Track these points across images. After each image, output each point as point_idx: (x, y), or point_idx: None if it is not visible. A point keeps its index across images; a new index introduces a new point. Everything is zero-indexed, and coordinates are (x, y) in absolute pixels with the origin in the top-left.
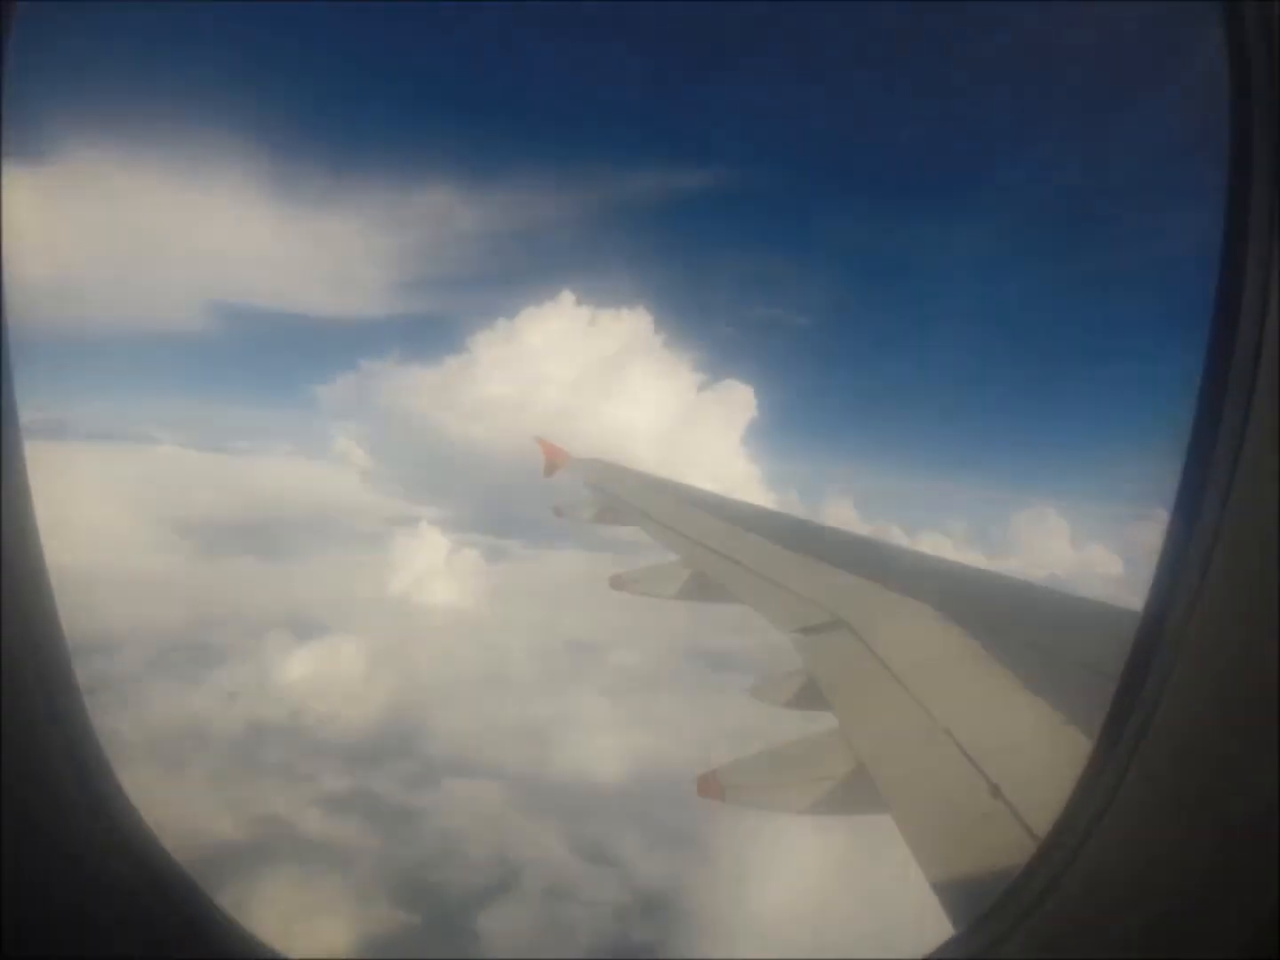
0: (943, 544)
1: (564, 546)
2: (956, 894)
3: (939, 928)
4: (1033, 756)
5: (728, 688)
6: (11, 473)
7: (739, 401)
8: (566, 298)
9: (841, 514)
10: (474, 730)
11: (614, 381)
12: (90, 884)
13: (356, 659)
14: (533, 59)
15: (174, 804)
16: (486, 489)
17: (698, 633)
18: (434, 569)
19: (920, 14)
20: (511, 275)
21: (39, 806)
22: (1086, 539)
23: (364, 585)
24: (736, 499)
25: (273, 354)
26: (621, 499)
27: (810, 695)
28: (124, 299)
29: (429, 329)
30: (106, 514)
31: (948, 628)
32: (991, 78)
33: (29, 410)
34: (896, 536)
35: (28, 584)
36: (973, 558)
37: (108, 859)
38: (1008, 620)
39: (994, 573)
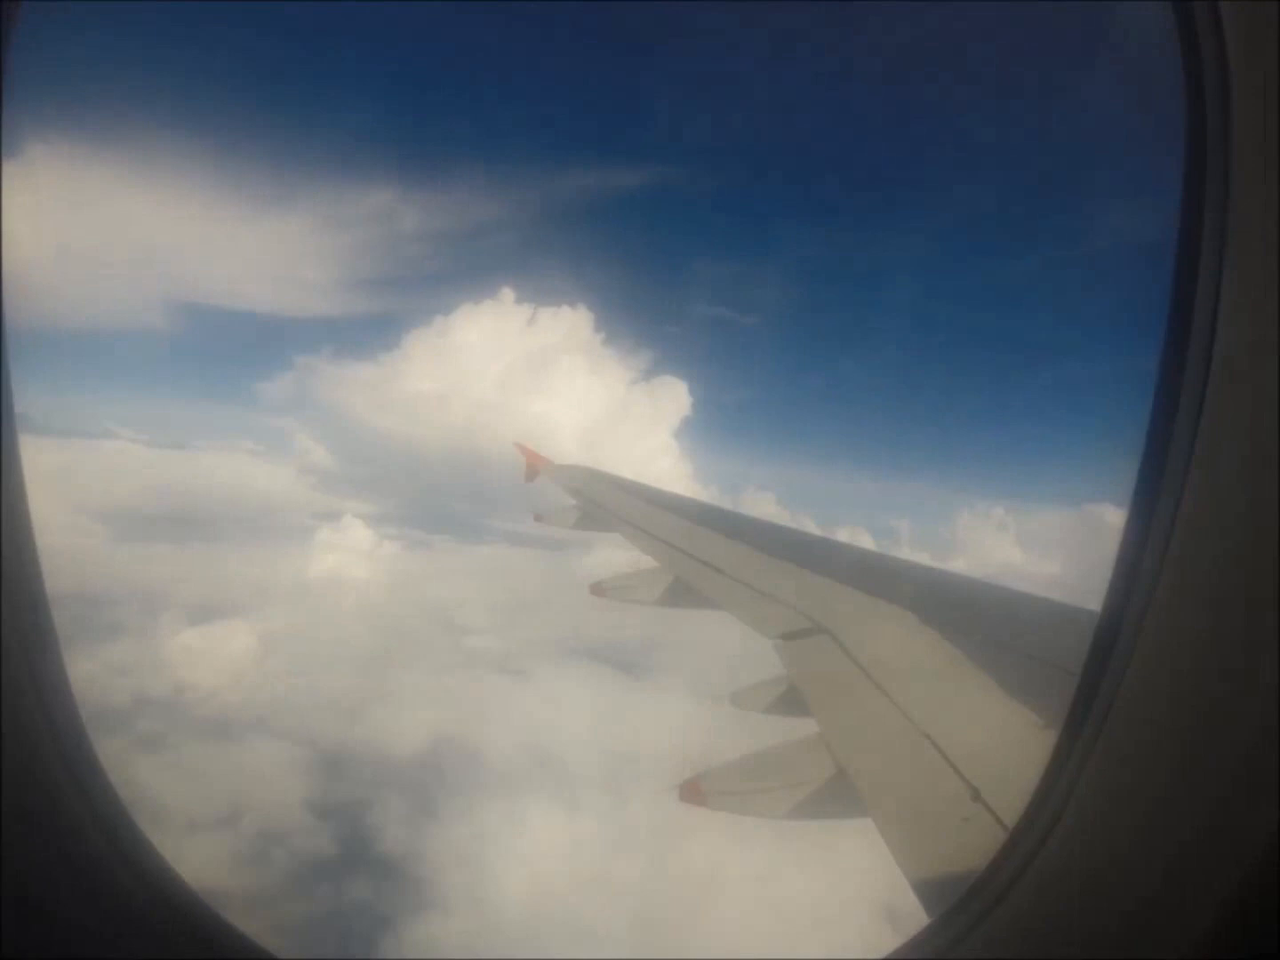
0: (865, 542)
1: (492, 542)
2: (938, 896)
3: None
4: (1011, 759)
5: (573, 676)
6: (8, 480)
7: (674, 398)
8: (508, 297)
9: (764, 509)
10: (314, 700)
11: (552, 378)
12: (84, 886)
13: (246, 640)
14: (477, 59)
15: None
16: (426, 487)
17: (576, 625)
18: (350, 561)
19: (868, 11)
20: (463, 276)
21: (33, 811)
22: (1024, 539)
23: (274, 573)
24: (719, 506)
25: (239, 354)
26: (602, 505)
27: (791, 701)
28: (93, 296)
29: (378, 329)
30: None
31: (927, 633)
32: (937, 77)
33: None
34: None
35: (21, 589)
36: (914, 557)
37: (101, 861)
38: (986, 625)
39: (973, 578)
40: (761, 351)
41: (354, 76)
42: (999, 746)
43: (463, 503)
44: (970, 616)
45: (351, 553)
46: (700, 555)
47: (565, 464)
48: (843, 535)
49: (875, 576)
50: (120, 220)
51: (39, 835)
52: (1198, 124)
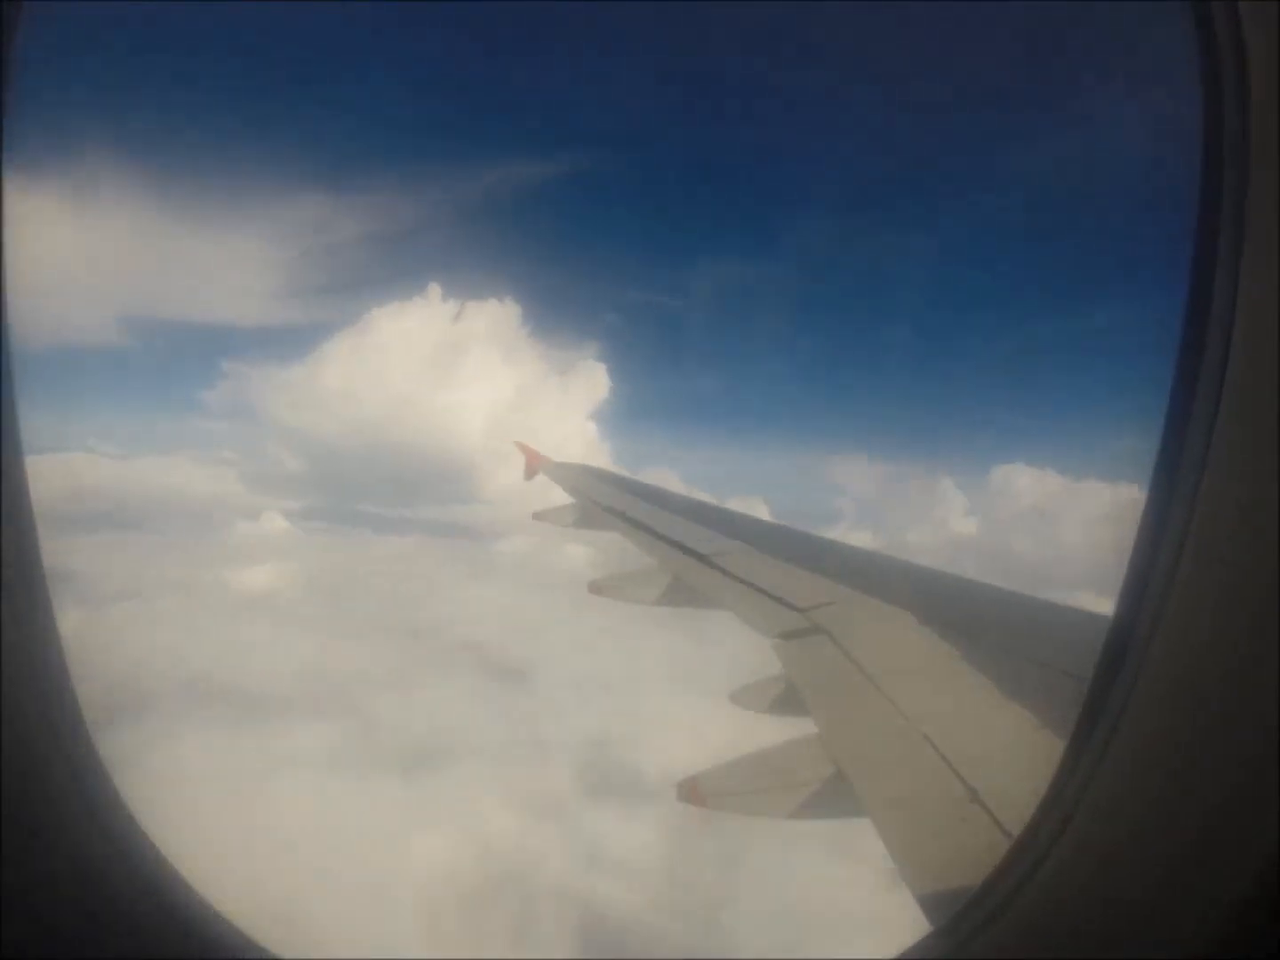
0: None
1: (409, 533)
2: (934, 897)
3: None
4: (1010, 761)
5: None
6: (12, 484)
7: (592, 381)
8: (434, 294)
9: (666, 483)
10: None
11: (476, 369)
12: (84, 885)
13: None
14: (383, 58)
15: None
16: (359, 482)
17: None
18: (258, 553)
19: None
20: (390, 278)
21: (35, 810)
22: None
23: (178, 566)
24: (717, 504)
25: (176, 362)
26: (601, 503)
27: (789, 701)
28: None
29: (311, 334)
30: None
31: (925, 633)
32: (934, 70)
33: None
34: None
35: (24, 593)
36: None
37: (102, 860)
38: (985, 626)
39: (971, 579)
40: (682, 334)
41: (264, 86)
42: (998, 748)
43: (390, 496)
44: (970, 617)
45: (262, 546)
46: (700, 554)
47: (565, 462)
48: (738, 504)
49: (874, 576)
50: (64, 235)
51: (38, 833)
52: (1214, 121)
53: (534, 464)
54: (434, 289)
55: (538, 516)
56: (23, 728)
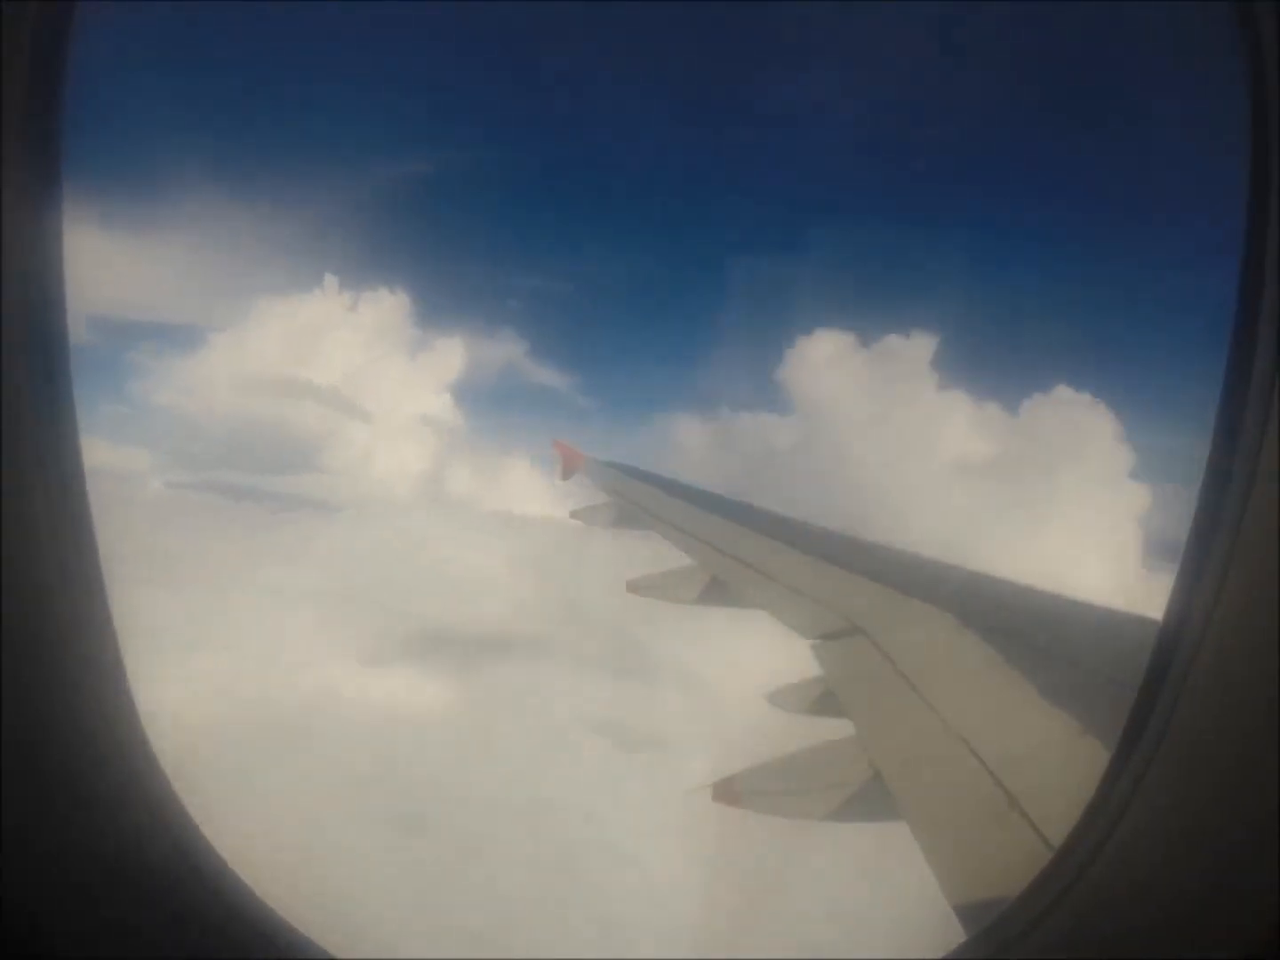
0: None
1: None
2: (970, 902)
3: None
4: (1049, 766)
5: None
6: (71, 471)
7: (452, 361)
8: (333, 285)
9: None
10: None
11: (362, 357)
12: (141, 886)
13: None
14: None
15: None
16: (248, 461)
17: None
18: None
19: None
20: (296, 272)
21: (92, 810)
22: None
23: None
24: (754, 504)
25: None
26: (638, 502)
27: (828, 702)
28: None
29: (205, 328)
30: None
31: (965, 635)
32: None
33: None
34: None
35: (80, 581)
36: None
37: (158, 861)
38: (1026, 628)
39: (1012, 580)
40: (576, 317)
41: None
42: (1037, 754)
43: (276, 472)
44: (1012, 619)
45: (122, 508)
46: (737, 553)
47: (602, 460)
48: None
49: (913, 577)
50: None
51: (96, 834)
52: (1261, 121)
53: (571, 464)
54: (330, 280)
55: (575, 515)
56: (78, 724)
